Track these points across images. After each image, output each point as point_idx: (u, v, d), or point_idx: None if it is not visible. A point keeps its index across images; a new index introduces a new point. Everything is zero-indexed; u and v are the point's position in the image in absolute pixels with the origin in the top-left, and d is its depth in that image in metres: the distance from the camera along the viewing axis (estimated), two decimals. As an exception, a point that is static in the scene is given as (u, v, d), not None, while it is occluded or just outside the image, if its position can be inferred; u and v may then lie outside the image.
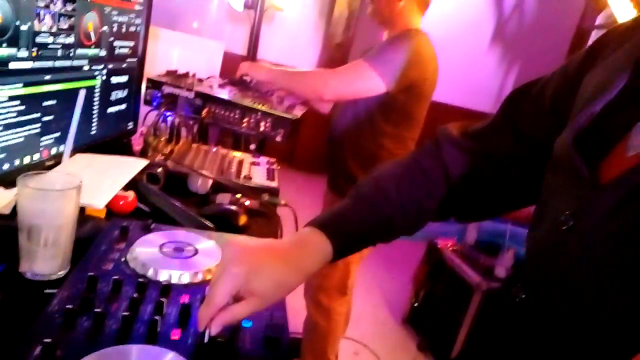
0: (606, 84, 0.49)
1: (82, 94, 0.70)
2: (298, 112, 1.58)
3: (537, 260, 0.52)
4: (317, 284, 1.75)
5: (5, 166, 0.86)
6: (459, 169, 0.68)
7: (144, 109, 1.45)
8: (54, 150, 0.99)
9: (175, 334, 0.56)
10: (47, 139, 0.96)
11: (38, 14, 0.84)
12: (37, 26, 0.84)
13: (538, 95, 0.63)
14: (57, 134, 0.98)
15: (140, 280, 0.64)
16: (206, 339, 0.54)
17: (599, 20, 3.41)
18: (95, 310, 0.55)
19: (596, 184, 0.46)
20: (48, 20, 0.87)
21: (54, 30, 0.89)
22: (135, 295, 0.60)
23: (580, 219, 0.46)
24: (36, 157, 0.94)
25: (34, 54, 0.85)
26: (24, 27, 0.81)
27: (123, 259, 0.70)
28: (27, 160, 0.91)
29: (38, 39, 0.86)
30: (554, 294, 0.48)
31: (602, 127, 0.48)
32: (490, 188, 0.68)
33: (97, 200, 0.88)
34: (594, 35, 3.55)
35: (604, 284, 0.43)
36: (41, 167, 0.94)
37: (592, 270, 0.44)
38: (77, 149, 1.08)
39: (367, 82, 1.50)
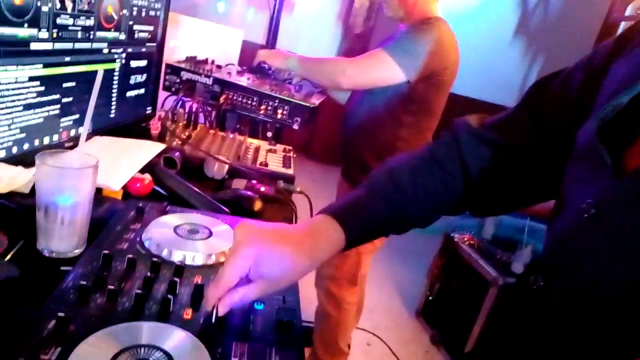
0: (634, 75, 0.48)
1: (100, 74, 0.70)
2: (316, 100, 1.57)
3: (557, 248, 0.51)
4: (328, 274, 1.74)
5: (25, 146, 0.87)
6: (478, 160, 0.66)
7: (162, 94, 1.46)
8: (73, 132, 1.00)
9: (187, 314, 0.56)
10: (66, 121, 0.97)
11: (59, -5, 0.85)
12: (57, 7, 0.85)
13: (561, 87, 0.61)
14: (77, 116, 0.99)
15: (155, 260, 0.64)
16: (214, 320, 0.54)
17: (628, 11, 3.31)
18: (109, 287, 0.56)
19: (619, 172, 0.45)
20: (68, 1, 0.87)
21: (74, 12, 0.90)
22: (148, 274, 0.60)
23: (602, 207, 0.45)
24: (55, 138, 0.95)
25: (54, 35, 0.86)
26: (44, 8, 0.82)
27: (138, 239, 0.70)
28: (46, 140, 0.93)
29: (58, 20, 0.86)
30: (573, 281, 0.47)
31: (627, 118, 0.47)
32: (509, 181, 0.67)
33: (114, 182, 0.89)
34: (622, 28, 3.45)
35: (625, 272, 0.42)
36: (60, 148, 0.95)
37: (613, 258, 0.44)
38: (96, 131, 1.09)
39: (386, 71, 1.48)
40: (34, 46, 0.82)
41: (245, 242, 0.55)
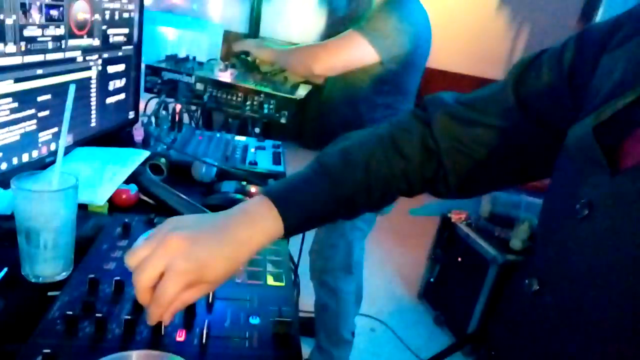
0: (634, 75, 0.45)
1: (72, 89, 0.67)
2: (302, 92, 1.54)
3: (550, 252, 0.49)
4: (321, 267, 1.73)
5: (3, 166, 0.84)
6: (453, 141, 0.62)
7: (145, 97, 1.42)
8: (53, 146, 0.96)
9: (181, 335, 0.55)
10: (45, 135, 0.93)
11: (23, 6, 0.81)
12: (23, 19, 0.81)
13: (550, 69, 0.58)
14: (55, 129, 0.96)
15: (143, 279, 0.62)
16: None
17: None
18: (97, 315, 0.54)
19: (614, 171, 0.43)
20: (34, 12, 0.84)
21: (42, 22, 0.86)
22: (137, 296, 0.58)
23: (596, 207, 0.43)
24: (35, 154, 0.92)
25: (22, 49, 0.82)
26: (9, 21, 0.78)
27: (126, 258, 0.68)
28: (25, 158, 0.89)
29: (26, 32, 0.82)
30: (569, 286, 0.46)
31: (625, 116, 0.45)
32: (488, 162, 0.62)
33: (98, 197, 0.86)
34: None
35: (622, 275, 0.40)
36: (41, 164, 0.92)
37: (610, 260, 0.41)
38: (78, 142, 1.06)
39: (358, 51, 1.44)
40: (1, 61, 0.79)
41: (183, 255, 0.49)
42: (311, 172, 0.60)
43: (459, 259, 2.29)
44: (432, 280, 2.46)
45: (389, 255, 2.91)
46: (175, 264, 0.48)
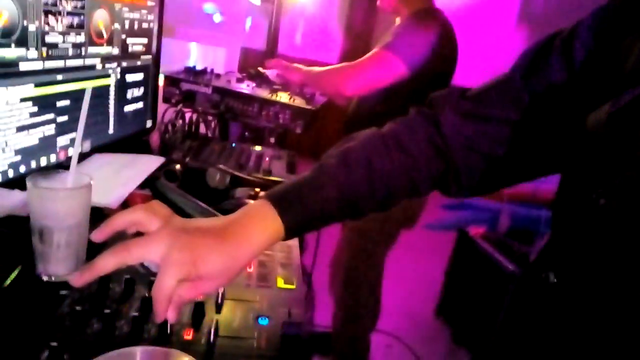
0: None
1: (87, 93, 0.68)
2: (317, 102, 1.55)
3: (567, 242, 0.48)
4: (342, 280, 1.71)
5: (22, 168, 0.85)
6: (463, 139, 0.60)
7: (162, 106, 1.44)
8: (71, 151, 0.98)
9: (188, 334, 0.54)
10: (63, 140, 0.95)
11: (46, 13, 0.83)
12: (45, 26, 0.83)
13: (560, 57, 0.56)
14: (73, 135, 0.98)
15: (153, 278, 0.61)
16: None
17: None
18: (105, 311, 0.53)
19: (632, 158, 0.42)
20: (56, 19, 0.86)
21: (63, 29, 0.88)
22: (147, 295, 0.58)
23: (613, 196, 0.42)
24: (53, 158, 0.94)
25: (43, 54, 0.85)
26: (32, 27, 0.81)
27: (137, 258, 0.68)
28: (44, 162, 0.91)
29: (47, 39, 0.85)
30: (587, 277, 0.44)
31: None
32: (497, 158, 0.60)
33: (111, 200, 0.87)
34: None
35: None
36: (59, 168, 0.94)
37: (631, 248, 0.40)
38: (96, 149, 1.07)
39: (389, 70, 1.44)
40: (23, 66, 0.81)
41: (178, 246, 0.49)
42: (312, 173, 0.59)
43: (478, 275, 2.24)
44: (449, 296, 2.41)
45: (406, 271, 2.87)
46: (170, 254, 0.48)
